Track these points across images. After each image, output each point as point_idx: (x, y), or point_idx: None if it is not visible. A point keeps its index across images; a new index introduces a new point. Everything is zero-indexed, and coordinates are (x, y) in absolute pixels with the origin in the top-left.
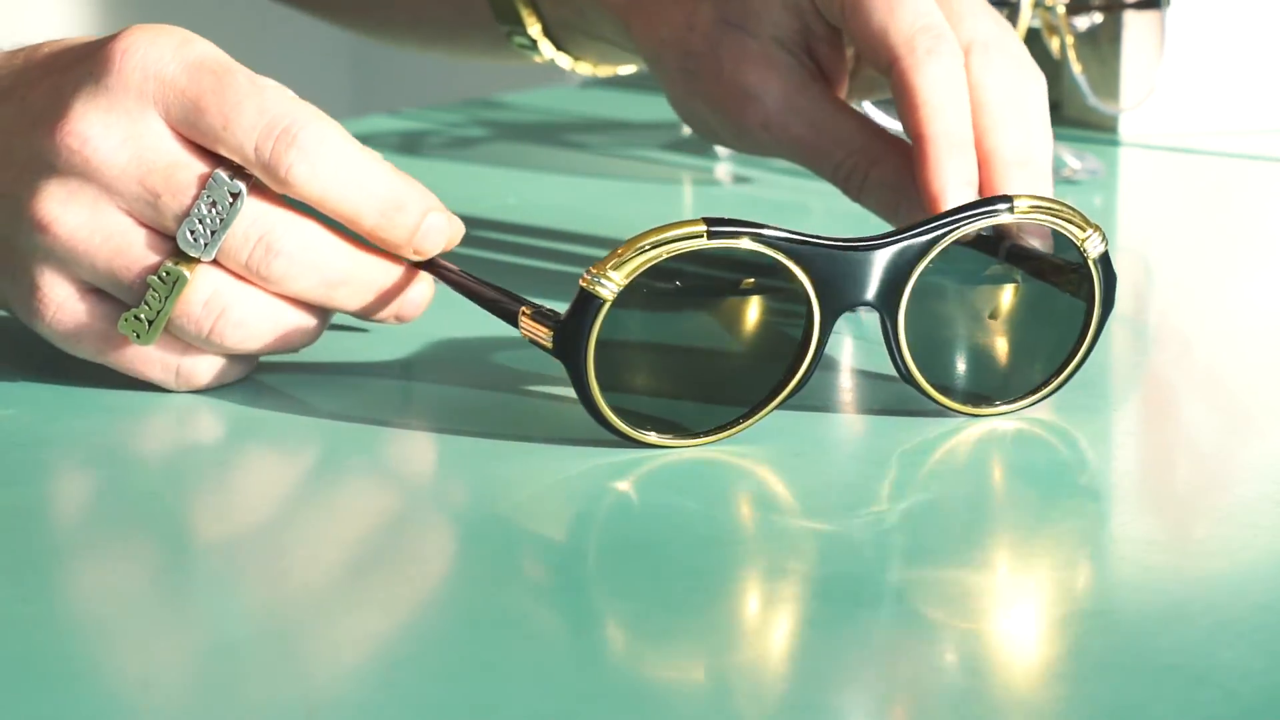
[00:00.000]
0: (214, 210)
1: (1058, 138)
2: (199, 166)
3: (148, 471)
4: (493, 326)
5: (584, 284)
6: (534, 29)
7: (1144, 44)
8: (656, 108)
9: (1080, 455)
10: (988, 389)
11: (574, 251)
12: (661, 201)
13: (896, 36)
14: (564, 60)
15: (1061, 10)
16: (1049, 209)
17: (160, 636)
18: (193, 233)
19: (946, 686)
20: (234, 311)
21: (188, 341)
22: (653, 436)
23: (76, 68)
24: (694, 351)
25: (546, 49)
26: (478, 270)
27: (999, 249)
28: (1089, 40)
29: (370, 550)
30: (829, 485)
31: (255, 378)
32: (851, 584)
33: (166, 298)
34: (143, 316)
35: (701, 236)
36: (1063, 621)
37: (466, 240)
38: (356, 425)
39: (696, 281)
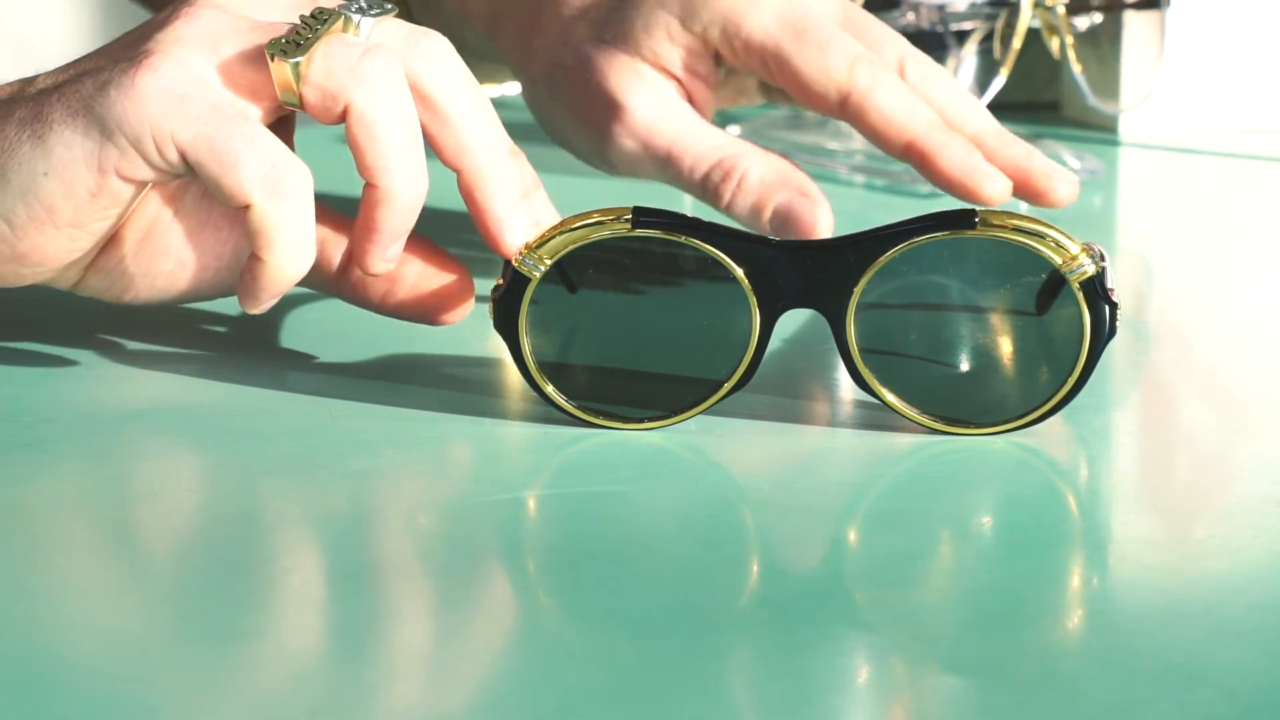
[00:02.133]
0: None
1: (1058, 138)
2: None
3: (147, 471)
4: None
5: (514, 262)
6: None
7: (1144, 44)
8: None
9: (1080, 455)
10: (959, 410)
11: None
12: (661, 201)
13: (838, 73)
14: None
15: (1061, 10)
16: (1026, 230)
17: (160, 636)
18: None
19: (946, 686)
20: (377, 64)
21: (325, 89)
22: (592, 416)
23: None
24: (635, 339)
25: None
26: (476, 268)
27: (976, 265)
28: (1089, 40)
29: (369, 550)
30: (829, 484)
31: (243, 373)
32: (849, 583)
33: (319, 28)
34: (289, 39)
35: (626, 225)
36: (1064, 621)
37: (466, 239)
38: (351, 424)
39: (640, 269)
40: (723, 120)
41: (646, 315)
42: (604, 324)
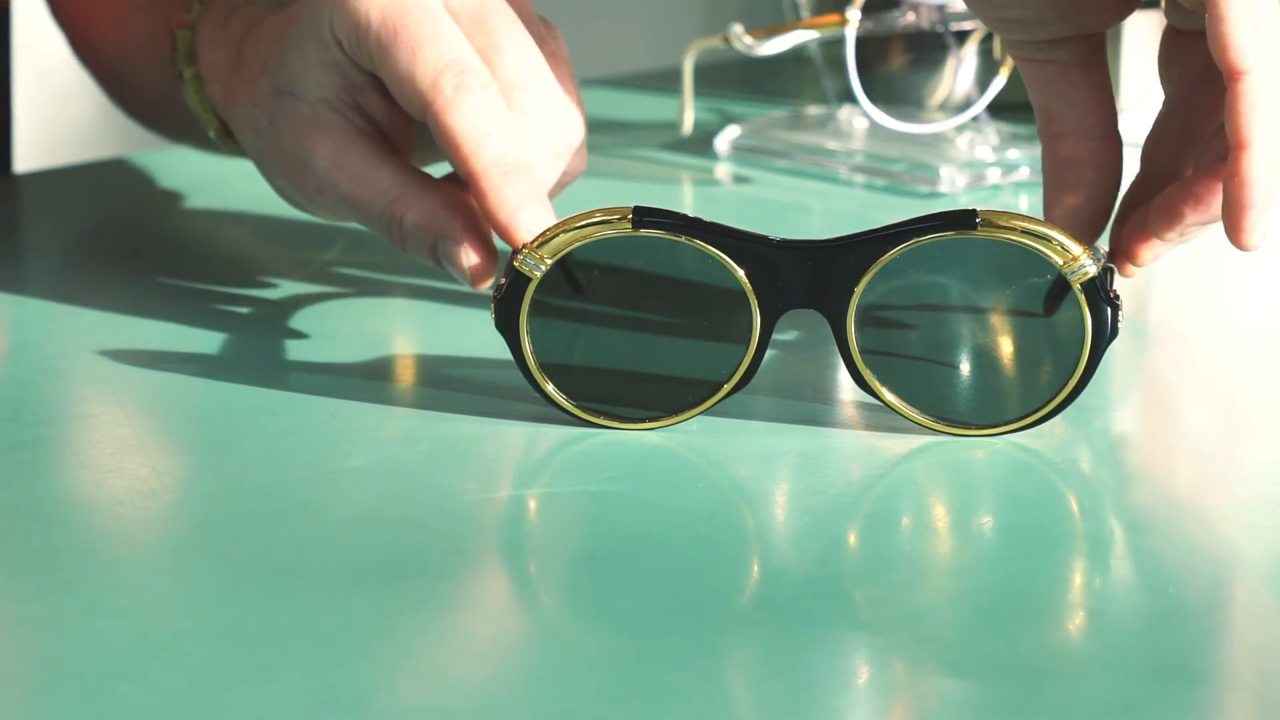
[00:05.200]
0: None
1: None
2: None
3: (147, 471)
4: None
5: (515, 262)
6: (214, 126)
7: (1144, 44)
8: (657, 108)
9: (1080, 455)
10: (960, 411)
11: None
12: (661, 201)
13: (423, 80)
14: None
15: None
16: (1028, 231)
17: (160, 636)
18: None
19: (946, 687)
20: None
21: None
22: (593, 415)
23: None
24: (636, 339)
25: (235, 149)
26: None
27: (977, 266)
28: None
29: (369, 550)
30: (829, 484)
31: (243, 374)
32: (849, 583)
33: None
34: None
35: (628, 224)
36: (1063, 622)
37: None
38: (351, 424)
39: (641, 269)
40: (724, 121)
41: (647, 315)
42: (604, 324)
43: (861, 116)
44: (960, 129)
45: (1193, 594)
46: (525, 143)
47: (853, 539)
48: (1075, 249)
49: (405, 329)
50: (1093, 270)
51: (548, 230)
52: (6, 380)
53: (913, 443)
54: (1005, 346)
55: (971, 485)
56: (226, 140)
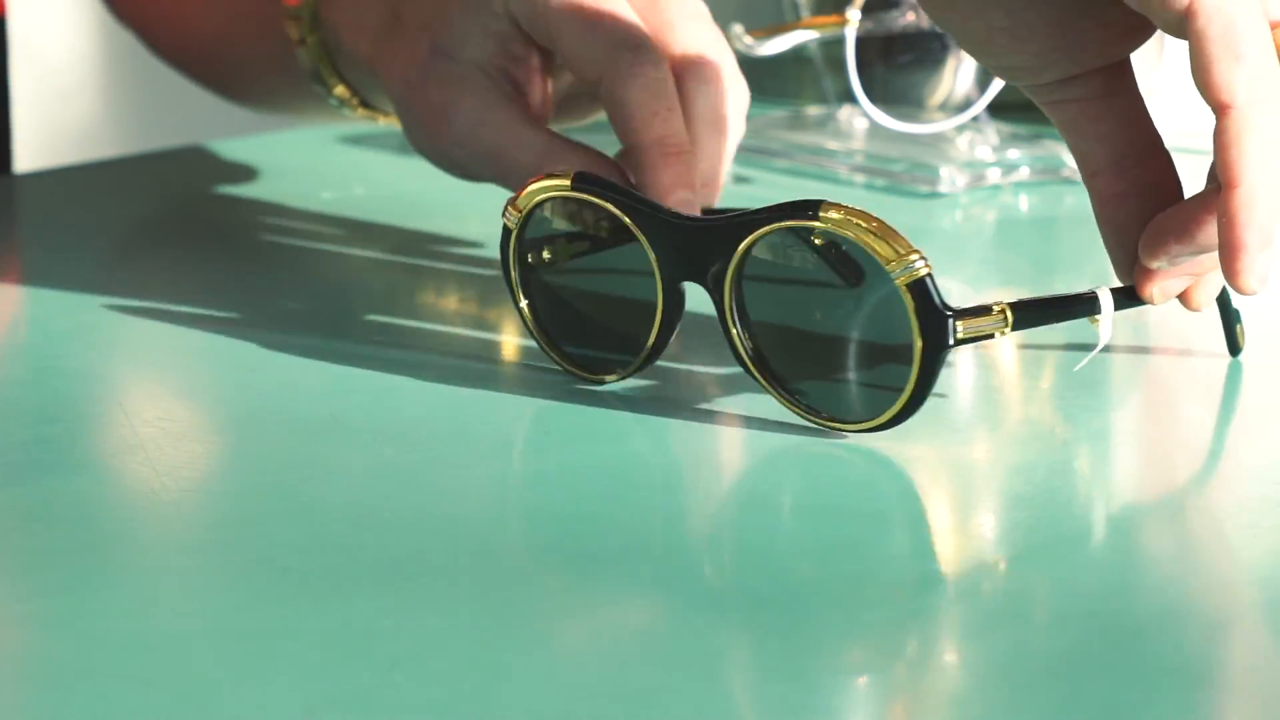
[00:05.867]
0: None
1: (1057, 138)
2: None
3: (147, 471)
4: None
5: (504, 216)
6: (338, 90)
7: (1144, 44)
8: None
9: (1080, 455)
10: (825, 402)
11: None
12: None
13: (599, 53)
14: (378, 117)
15: None
16: (860, 226)
17: (159, 636)
18: None
19: (947, 686)
20: None
21: None
22: (556, 356)
23: None
24: (585, 297)
25: (359, 108)
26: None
27: (817, 259)
28: None
29: (368, 550)
30: (830, 484)
31: (244, 374)
32: (849, 583)
33: None
34: None
35: (565, 185)
36: (1063, 621)
37: (466, 244)
38: (351, 424)
39: (580, 231)
40: None
41: (589, 275)
42: (558, 277)
43: (861, 116)
44: (960, 129)
45: (1193, 594)
46: (683, 126)
47: (853, 539)
48: (903, 248)
49: (405, 329)
50: (922, 270)
51: (530, 181)
52: (6, 380)
53: (912, 442)
54: (852, 348)
55: (971, 485)
56: (350, 100)
